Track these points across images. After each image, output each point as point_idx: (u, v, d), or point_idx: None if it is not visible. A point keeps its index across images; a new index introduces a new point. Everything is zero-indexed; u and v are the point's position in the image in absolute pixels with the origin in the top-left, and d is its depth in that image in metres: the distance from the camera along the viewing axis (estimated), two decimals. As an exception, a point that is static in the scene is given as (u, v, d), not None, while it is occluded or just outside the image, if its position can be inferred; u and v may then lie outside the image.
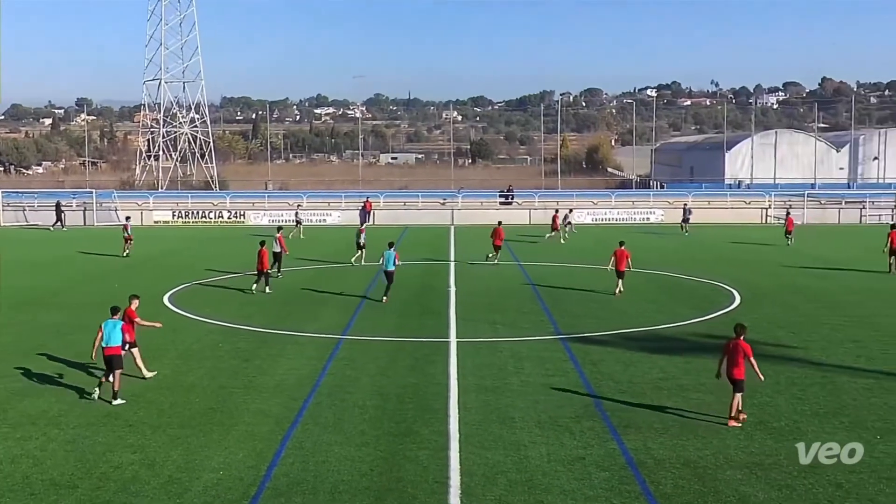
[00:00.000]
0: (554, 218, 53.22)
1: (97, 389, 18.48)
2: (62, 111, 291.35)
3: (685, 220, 59.70)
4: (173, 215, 69.97)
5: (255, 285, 32.93)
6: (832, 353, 22.07)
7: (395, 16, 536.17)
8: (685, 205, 62.77)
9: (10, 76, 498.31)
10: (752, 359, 16.48)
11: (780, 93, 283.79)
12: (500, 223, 42.95)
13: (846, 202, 72.73)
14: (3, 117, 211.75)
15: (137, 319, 20.49)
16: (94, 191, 74.49)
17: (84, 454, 15.04)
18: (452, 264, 40.63)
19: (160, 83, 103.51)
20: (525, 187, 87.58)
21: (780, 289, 33.26)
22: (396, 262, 31.43)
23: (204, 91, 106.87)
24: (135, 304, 20.62)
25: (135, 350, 20.03)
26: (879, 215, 68.94)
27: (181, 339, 24.32)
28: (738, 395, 16.49)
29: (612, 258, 32.61)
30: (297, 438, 15.77)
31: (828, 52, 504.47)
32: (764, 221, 67.33)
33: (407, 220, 64.94)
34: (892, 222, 48.44)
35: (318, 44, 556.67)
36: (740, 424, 16.38)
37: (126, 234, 45.33)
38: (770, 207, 69.58)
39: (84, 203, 71.69)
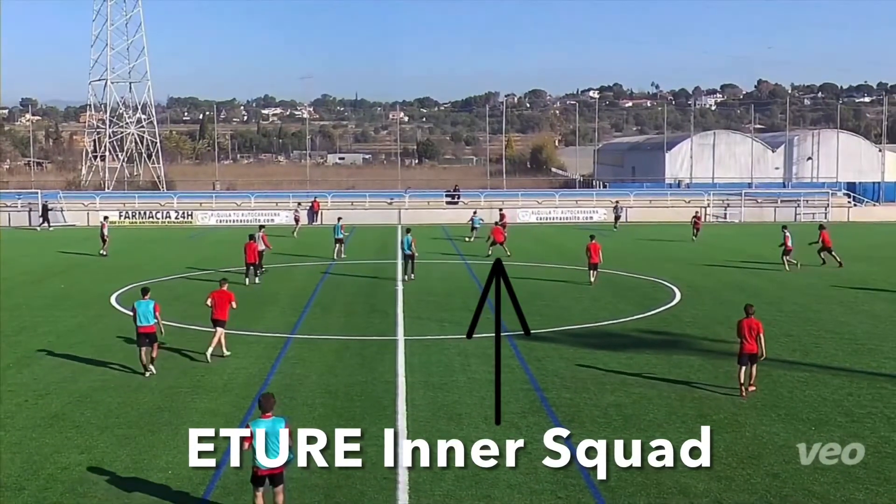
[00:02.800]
0: (502, 216, 53.03)
1: (148, 367, 20.05)
2: (6, 111, 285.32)
3: (617, 219, 61.83)
4: (120, 215, 68.91)
5: (246, 279, 33.78)
6: (769, 348, 22.27)
7: (341, 16, 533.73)
8: (616, 202, 64.90)
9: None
10: (762, 335, 18.26)
11: (718, 94, 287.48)
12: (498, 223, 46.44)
13: (782, 201, 74.05)
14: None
15: (233, 303, 22.41)
16: (39, 191, 73.17)
17: (31, 455, 14.81)
18: (400, 263, 40.60)
19: (106, 83, 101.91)
20: (471, 187, 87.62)
21: (718, 285, 33.75)
22: (413, 247, 34.85)
23: (150, 91, 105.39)
24: (225, 286, 22.69)
25: (220, 329, 21.72)
26: (813, 213, 70.42)
27: (128, 340, 23.97)
28: (755, 367, 18.35)
29: (587, 252, 33.78)
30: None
31: (764, 55, 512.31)
32: (703, 220, 68.22)
33: (354, 220, 64.70)
34: (821, 222, 49.66)
35: (265, 44, 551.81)
36: (746, 397, 18.09)
37: (104, 234, 44.59)
38: (709, 206, 70.53)
39: (29, 204, 70.39)
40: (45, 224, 63.29)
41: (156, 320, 20.15)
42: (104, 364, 21.26)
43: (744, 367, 18.27)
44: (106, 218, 48.50)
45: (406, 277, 34.74)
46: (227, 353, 21.85)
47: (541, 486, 13.39)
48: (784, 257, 38.41)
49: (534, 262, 41.57)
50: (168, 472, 13.98)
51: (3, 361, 21.55)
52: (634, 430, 16.04)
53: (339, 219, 45.33)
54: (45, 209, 65.01)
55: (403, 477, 13.75)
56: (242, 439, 11.71)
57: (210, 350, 21.46)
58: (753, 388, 18.39)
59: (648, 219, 65.94)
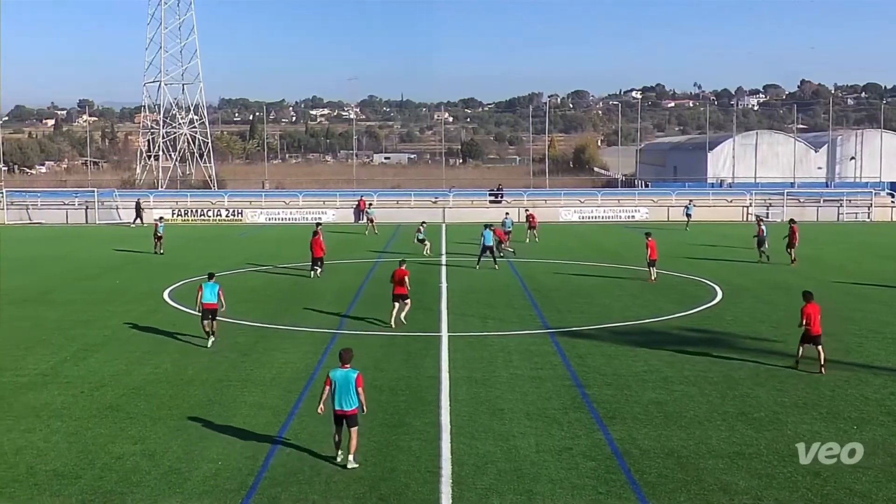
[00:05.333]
0: (530, 217, 52.63)
1: (210, 339, 22.63)
2: (65, 112, 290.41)
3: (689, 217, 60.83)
4: (173, 213, 69.76)
5: (312, 272, 35.13)
6: (810, 346, 22.10)
7: (387, 18, 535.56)
8: (689, 202, 64.23)
9: (14, 78, 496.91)
10: (818, 317, 20.00)
11: (761, 95, 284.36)
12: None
13: (824, 201, 72.96)
14: (7, 118, 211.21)
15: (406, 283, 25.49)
16: (95, 190, 74.29)
17: (86, 445, 15.03)
18: (444, 260, 40.61)
19: (160, 85, 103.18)
20: (514, 186, 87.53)
21: (760, 285, 33.35)
22: (495, 239, 38.30)
23: (202, 93, 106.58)
24: (404, 266, 26.04)
25: (408, 301, 25.51)
26: (856, 213, 69.29)
27: (181, 334, 24.28)
28: (820, 347, 19.87)
29: (647, 249, 33.89)
30: (294, 430, 15.77)
31: (807, 56, 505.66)
32: (745, 219, 67.42)
33: (399, 219, 64.88)
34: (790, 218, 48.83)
35: (314, 46, 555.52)
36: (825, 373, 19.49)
37: (157, 233, 45.07)
38: (751, 206, 69.75)
39: (86, 202, 71.52)
40: (139, 221, 64.45)
41: (220, 298, 22.86)
42: (157, 358, 21.53)
43: (804, 347, 20.11)
44: (161, 218, 49.01)
45: (496, 266, 37.41)
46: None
47: (582, 482, 13.33)
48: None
49: (575, 260, 41.40)
50: (218, 463, 14.11)
51: (61, 354, 21.91)
52: (675, 427, 15.91)
53: (423, 223, 46.82)
54: (139, 207, 66.27)
55: (447, 470, 13.77)
56: (324, 383, 14.14)
57: (393, 319, 25.20)
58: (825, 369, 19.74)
59: (691, 218, 65.21)
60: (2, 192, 72.13)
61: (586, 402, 17.51)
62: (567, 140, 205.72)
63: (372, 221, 59.62)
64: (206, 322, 22.90)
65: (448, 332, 24.53)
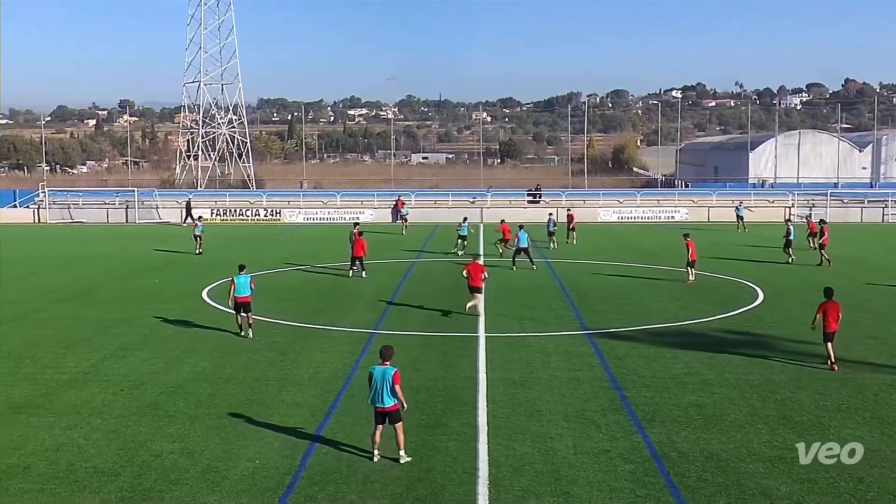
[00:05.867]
0: (570, 217, 52.31)
1: (244, 331, 23.55)
2: (105, 112, 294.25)
3: (740, 219, 59.98)
4: (212, 213, 70.42)
5: (350, 271, 35.24)
6: (853, 350, 21.83)
7: (426, 18, 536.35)
8: (740, 202, 63.63)
9: (56, 79, 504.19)
10: (840, 314, 20.24)
11: (804, 94, 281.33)
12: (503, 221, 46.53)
13: (869, 201, 71.96)
14: (49, 118, 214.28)
15: (485, 274, 27.18)
16: (135, 189, 75.17)
17: (126, 443, 15.19)
18: (482, 262, 40.54)
19: (199, 85, 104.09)
20: (552, 186, 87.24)
21: (801, 286, 32.93)
22: (530, 241, 38.54)
23: (241, 93, 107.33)
24: (479, 260, 28.12)
25: (478, 295, 26.83)
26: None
27: (219, 333, 24.47)
28: (830, 344, 20.08)
29: (687, 249, 33.72)
30: (331, 430, 15.84)
31: (851, 54, 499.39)
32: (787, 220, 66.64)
33: (437, 219, 64.94)
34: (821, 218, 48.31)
35: (352, 46, 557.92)
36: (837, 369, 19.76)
37: (197, 233, 45.41)
38: (793, 206, 68.97)
39: (126, 201, 72.38)
40: (190, 220, 65.27)
41: (251, 292, 23.61)
42: (196, 356, 21.73)
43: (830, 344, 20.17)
44: (200, 218, 49.38)
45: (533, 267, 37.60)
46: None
47: (620, 484, 13.25)
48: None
49: (614, 260, 41.19)
50: (256, 462, 14.21)
51: (101, 352, 22.18)
52: (715, 430, 15.77)
53: (465, 218, 47.12)
54: (189, 206, 67.14)
55: (483, 471, 13.75)
56: (368, 380, 14.33)
57: (469, 305, 26.76)
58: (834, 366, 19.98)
59: (732, 218, 64.59)
60: (44, 192, 73.19)
61: (625, 405, 17.41)
62: (606, 140, 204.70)
63: (405, 221, 59.96)
64: (240, 316, 23.73)
65: (485, 332, 24.50)
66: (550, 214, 50.50)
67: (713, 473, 13.69)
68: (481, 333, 24.34)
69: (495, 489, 13.09)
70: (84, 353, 22.15)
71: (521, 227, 39.23)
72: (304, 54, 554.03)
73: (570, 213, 53.26)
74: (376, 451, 14.15)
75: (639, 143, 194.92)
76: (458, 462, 14.19)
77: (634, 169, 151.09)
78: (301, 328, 25.26)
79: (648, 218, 69.82)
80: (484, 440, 15.19)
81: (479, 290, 26.94)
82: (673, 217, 69.71)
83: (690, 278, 33.51)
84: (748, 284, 33.20)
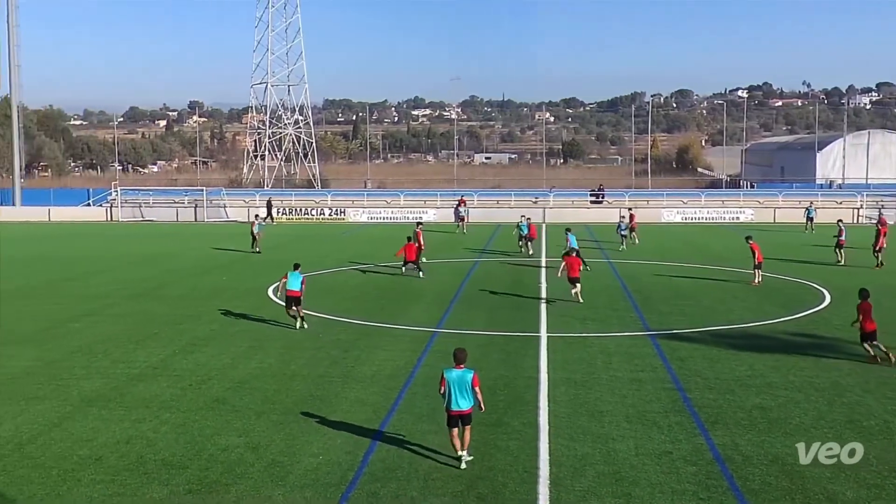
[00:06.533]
0: (631, 217, 51.77)
1: (298, 322, 24.61)
2: (176, 113, 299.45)
3: (810, 220, 58.91)
4: (278, 212, 71.23)
5: (404, 268, 35.75)
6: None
7: (489, 19, 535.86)
8: (810, 203, 61.83)
9: (128, 80, 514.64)
10: (870, 314, 20.52)
11: (874, 93, 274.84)
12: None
13: (940, 202, 70.15)
14: (122, 119, 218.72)
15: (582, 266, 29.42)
16: (204, 189, 76.39)
17: (193, 437, 15.44)
18: (544, 261, 40.42)
19: (267, 87, 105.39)
20: (615, 187, 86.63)
21: (870, 289, 32.13)
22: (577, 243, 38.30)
23: (307, 94, 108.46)
24: (574, 254, 29.75)
25: (578, 285, 28.85)
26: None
27: (284, 330, 24.75)
28: (874, 343, 20.40)
29: (754, 251, 33.16)
30: (393, 427, 15.90)
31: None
32: (856, 221, 65.29)
33: (500, 219, 64.85)
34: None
35: (416, 47, 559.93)
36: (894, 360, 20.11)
37: (254, 232, 45.79)
38: (862, 207, 67.51)
39: (195, 200, 73.59)
40: (269, 219, 66.42)
41: (300, 288, 24.56)
42: (261, 353, 22.00)
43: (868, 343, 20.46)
44: (257, 216, 49.86)
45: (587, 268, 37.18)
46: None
47: (682, 487, 13.09)
48: (837, 250, 40.17)
49: (678, 261, 40.74)
50: (319, 458, 14.33)
51: (170, 348, 22.57)
52: (780, 433, 15.49)
53: (526, 217, 46.71)
54: (270, 205, 68.21)
55: (545, 471, 13.70)
56: (440, 383, 14.03)
57: (573, 292, 28.77)
58: (893, 355, 20.25)
59: (799, 220, 63.48)
60: (117, 191, 74.73)
61: (687, 406, 17.20)
62: (670, 140, 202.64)
63: (463, 220, 59.97)
64: (291, 309, 24.79)
65: (547, 332, 24.41)
66: (622, 217, 49.88)
67: (777, 477, 13.46)
68: (543, 333, 24.25)
69: (556, 489, 13.04)
70: (154, 348, 22.57)
71: (567, 229, 39.31)
72: (368, 55, 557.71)
73: (631, 212, 52.80)
74: (462, 453, 13.91)
75: (703, 144, 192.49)
76: (519, 461, 14.15)
77: (699, 169, 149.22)
78: (364, 326, 25.42)
79: (713, 219, 68.94)
80: (545, 440, 15.13)
81: (577, 281, 28.94)
82: (738, 218, 68.72)
83: (756, 280, 32.98)
84: (815, 286, 32.58)
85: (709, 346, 22.51)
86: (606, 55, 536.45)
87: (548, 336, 23.83)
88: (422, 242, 37.94)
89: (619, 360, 21.10)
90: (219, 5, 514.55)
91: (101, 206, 75.90)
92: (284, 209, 71.91)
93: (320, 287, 33.20)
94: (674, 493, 12.88)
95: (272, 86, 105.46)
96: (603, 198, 74.58)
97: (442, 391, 13.99)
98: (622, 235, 46.60)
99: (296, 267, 25.22)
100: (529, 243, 44.31)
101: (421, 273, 35.12)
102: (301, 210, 72.29)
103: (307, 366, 20.64)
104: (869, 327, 20.51)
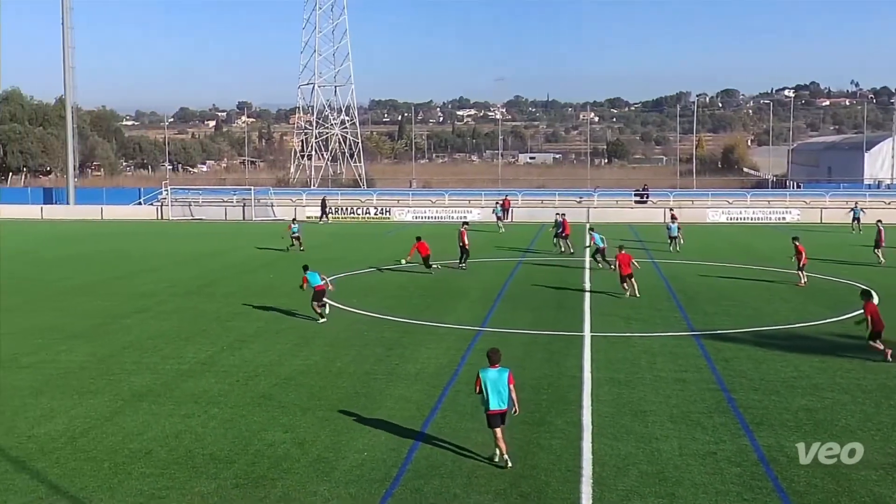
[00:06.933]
0: (673, 218, 51.17)
1: (323, 314, 25.68)
2: (225, 114, 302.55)
3: (856, 220, 56.97)
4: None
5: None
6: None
7: (535, 19, 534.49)
8: (855, 203, 60.32)
9: (179, 82, 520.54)
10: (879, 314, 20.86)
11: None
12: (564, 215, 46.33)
13: None
14: (172, 120, 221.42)
15: (635, 262, 30.41)
16: (252, 188, 77.07)
17: (241, 432, 15.58)
18: (587, 261, 40.21)
19: (314, 87, 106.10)
20: (660, 187, 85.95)
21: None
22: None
23: (353, 94, 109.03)
24: (624, 251, 30.41)
25: (633, 280, 29.89)
26: None
27: (330, 328, 24.89)
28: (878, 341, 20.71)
29: (801, 253, 32.76)
30: (437, 424, 15.92)
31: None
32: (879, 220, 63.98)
33: (543, 218, 64.62)
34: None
35: (461, 48, 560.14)
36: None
37: (292, 234, 45.91)
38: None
39: (243, 200, 74.26)
40: (325, 218, 66.94)
41: (323, 281, 25.97)
42: (307, 350, 22.14)
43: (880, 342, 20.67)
44: (294, 220, 49.82)
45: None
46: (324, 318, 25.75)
47: (726, 488, 12.95)
48: (876, 251, 39.71)
49: (723, 262, 40.32)
50: (364, 454, 14.39)
51: (218, 345, 22.81)
52: (826, 435, 15.25)
53: (561, 214, 46.86)
54: (325, 204, 68.77)
55: (588, 470, 13.63)
56: (475, 384, 14.00)
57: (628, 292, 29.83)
58: (890, 351, 20.56)
59: (846, 220, 62.49)
60: (167, 190, 75.67)
61: (732, 407, 17.02)
62: (715, 140, 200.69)
63: (500, 220, 60.06)
64: (315, 303, 25.83)
65: (591, 332, 24.28)
66: (674, 218, 49.10)
67: (823, 479, 13.27)
68: (587, 333, 24.13)
69: (599, 488, 12.97)
70: (202, 344, 22.82)
71: (591, 228, 39.55)
72: (414, 56, 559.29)
73: (672, 212, 52.34)
74: (506, 456, 13.80)
75: (749, 144, 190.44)
76: (562, 460, 14.10)
77: (744, 169, 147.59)
78: (408, 324, 25.48)
79: (758, 219, 68.13)
80: (588, 439, 15.06)
81: (629, 277, 29.88)
82: (784, 218, 67.85)
83: (802, 282, 32.53)
84: (861, 287, 31.98)
85: (754, 347, 22.25)
86: (651, 55, 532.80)
87: (591, 336, 23.71)
88: (466, 242, 37.93)
89: (663, 360, 20.93)
90: (267, 7, 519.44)
91: (151, 205, 76.91)
92: (330, 208, 72.27)
93: (365, 285, 33.36)
94: (718, 493, 12.75)
95: (319, 86, 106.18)
96: (647, 198, 74.05)
97: (478, 391, 13.93)
98: (672, 238, 45.59)
99: (305, 269, 26.70)
100: (565, 241, 44.09)
101: (432, 270, 35.82)
102: (347, 209, 72.64)
103: (352, 363, 20.74)
104: (880, 326, 20.80)
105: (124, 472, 13.62)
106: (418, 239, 36.52)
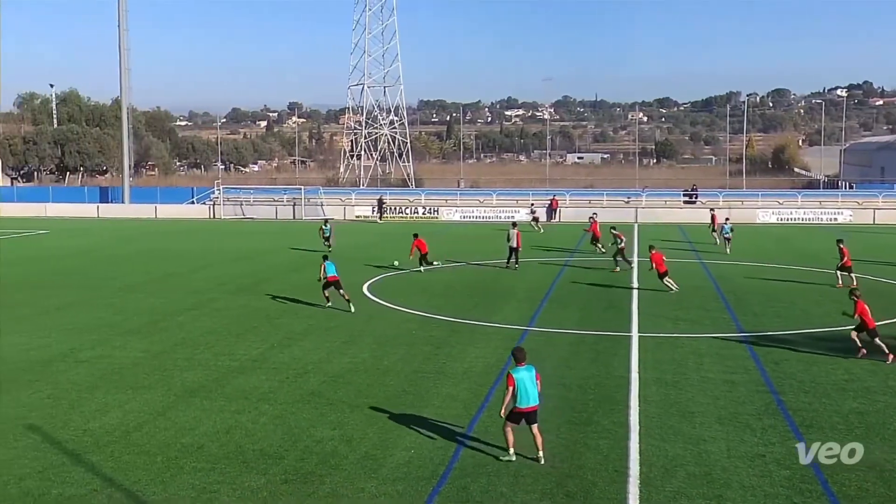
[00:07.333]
0: (713, 218, 50.60)
1: (330, 302, 27.69)
2: (276, 114, 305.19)
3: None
4: (372, 211, 71.96)
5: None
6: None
7: (583, 19, 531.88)
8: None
9: (230, 83, 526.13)
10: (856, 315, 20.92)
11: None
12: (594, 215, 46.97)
13: None
14: (224, 120, 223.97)
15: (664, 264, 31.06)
16: (302, 187, 77.66)
17: (290, 428, 15.70)
18: (636, 261, 39.91)
19: (363, 88, 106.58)
20: (709, 187, 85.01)
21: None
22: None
23: (402, 95, 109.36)
24: (655, 250, 31.53)
25: (667, 278, 30.69)
26: None
27: (378, 326, 24.99)
28: (878, 339, 20.60)
29: (844, 255, 32.33)
30: (483, 423, 15.91)
31: None
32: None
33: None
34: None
35: (509, 48, 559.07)
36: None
37: (324, 234, 45.75)
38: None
39: (293, 199, 74.84)
40: (381, 216, 67.41)
41: (336, 272, 27.68)
42: (355, 348, 22.25)
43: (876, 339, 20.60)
44: (326, 221, 49.62)
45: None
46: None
47: (775, 490, 12.77)
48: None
49: (773, 263, 39.79)
50: (411, 452, 14.43)
51: (268, 342, 23.01)
52: (878, 439, 14.99)
53: (594, 213, 46.59)
54: (381, 203, 69.22)
55: (634, 470, 13.54)
56: (508, 384, 13.93)
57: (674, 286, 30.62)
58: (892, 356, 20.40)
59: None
60: (219, 189, 76.53)
61: (781, 409, 16.78)
62: (766, 140, 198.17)
63: (537, 221, 59.76)
64: (327, 291, 27.88)
65: (638, 332, 24.11)
66: (727, 219, 48.44)
67: (875, 484, 13.03)
68: (634, 333, 23.95)
69: (646, 489, 12.87)
70: (253, 341, 23.04)
71: (612, 227, 39.53)
72: (462, 57, 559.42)
73: (713, 213, 51.77)
74: (541, 452, 13.87)
75: (800, 144, 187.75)
76: (609, 460, 14.01)
77: (795, 170, 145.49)
78: (456, 323, 25.50)
79: (809, 220, 67.13)
80: (635, 439, 14.95)
81: (665, 275, 30.66)
82: (836, 219, 66.78)
83: (840, 283, 31.89)
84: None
85: (804, 349, 21.92)
86: (701, 54, 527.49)
87: (639, 336, 23.54)
88: (519, 243, 37.77)
89: (711, 361, 20.71)
90: (318, 9, 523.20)
91: (204, 203, 77.84)
92: (387, 207, 72.52)
93: (413, 284, 33.44)
94: (766, 496, 12.59)
95: (368, 87, 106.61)
96: (696, 198, 73.29)
97: (512, 390, 13.87)
98: (726, 239, 44.64)
99: (325, 258, 28.60)
100: (597, 243, 44.05)
101: (422, 268, 36.32)
102: (395, 209, 72.87)
103: (400, 361, 20.80)
104: (872, 324, 20.84)
105: (176, 467, 13.80)
106: (416, 236, 36.85)
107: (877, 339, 20.61)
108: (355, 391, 18.20)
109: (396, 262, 37.56)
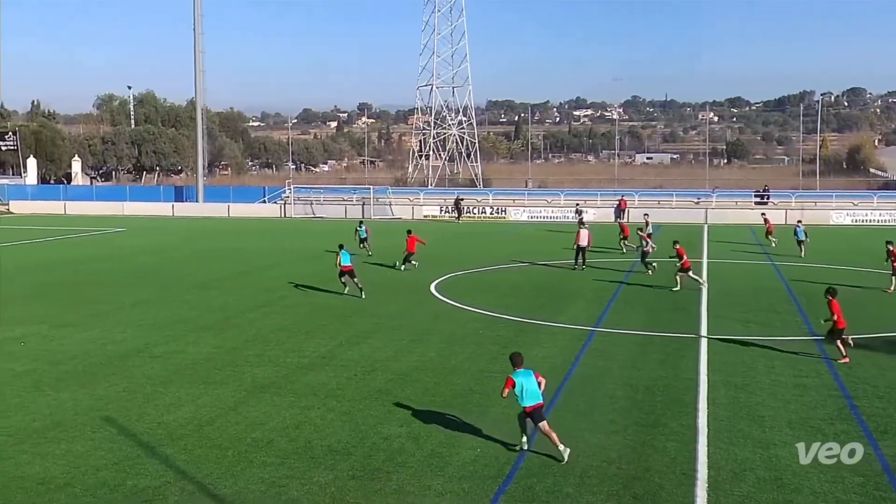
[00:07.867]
0: (766, 221, 49.38)
1: (349, 290, 29.69)
2: (346, 115, 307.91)
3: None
4: (440, 210, 72.15)
5: (402, 266, 37.01)
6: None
7: (653, 18, 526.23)
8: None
9: (302, 84, 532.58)
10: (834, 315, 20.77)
11: None
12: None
13: None
14: (295, 121, 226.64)
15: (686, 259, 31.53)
16: (371, 187, 78.21)
17: (358, 425, 15.82)
18: (705, 262, 39.35)
19: (432, 88, 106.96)
20: (781, 188, 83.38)
21: None
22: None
23: (471, 95, 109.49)
24: (678, 245, 31.99)
25: (689, 273, 31.23)
26: None
27: (445, 325, 25.04)
28: (839, 340, 20.61)
29: (891, 258, 31.56)
30: (550, 423, 15.79)
31: None
32: None
33: (660, 219, 63.52)
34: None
35: (578, 48, 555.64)
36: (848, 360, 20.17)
37: (361, 236, 44.91)
38: None
39: (363, 198, 75.42)
40: (459, 218, 67.84)
41: (350, 263, 29.77)
42: (422, 346, 22.33)
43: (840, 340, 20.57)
44: (361, 223, 49.15)
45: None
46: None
47: (847, 497, 12.48)
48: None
49: (846, 265, 38.88)
50: (477, 450, 14.42)
51: (337, 339, 23.22)
52: (956, 446, 14.55)
53: (646, 215, 45.95)
54: (458, 203, 69.55)
55: (702, 473, 13.35)
56: (503, 386, 14.27)
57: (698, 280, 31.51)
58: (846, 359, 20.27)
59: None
60: (290, 189, 77.46)
61: (854, 414, 16.39)
62: (840, 140, 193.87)
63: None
64: (343, 278, 29.89)
65: (707, 334, 23.76)
66: (799, 221, 47.32)
67: (952, 492, 12.66)
68: (703, 335, 23.63)
69: (714, 493, 12.68)
70: (322, 339, 23.27)
71: (639, 229, 39.50)
72: (530, 57, 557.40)
73: (765, 216, 50.55)
74: (561, 447, 13.96)
75: (876, 143, 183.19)
76: (676, 463, 13.84)
77: (871, 170, 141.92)
78: (523, 323, 25.43)
79: (885, 221, 65.43)
80: (704, 442, 14.74)
81: (688, 270, 31.23)
82: (913, 221, 65.01)
83: (892, 287, 31.01)
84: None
85: (880, 353, 21.39)
86: (773, 53, 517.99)
87: (708, 338, 23.20)
88: (590, 241, 37.67)
89: (782, 364, 20.32)
90: (387, 11, 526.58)
91: (275, 203, 78.89)
92: (447, 207, 72.70)
93: (481, 283, 33.44)
94: (838, 502, 12.31)
95: (437, 88, 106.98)
96: (768, 199, 71.95)
97: (506, 393, 14.21)
98: (799, 242, 43.34)
99: (341, 247, 30.38)
100: (624, 242, 44.37)
101: (403, 266, 36.73)
102: (463, 208, 72.92)
103: (467, 360, 20.81)
104: (842, 324, 20.79)
105: (247, 461, 14.00)
106: (409, 233, 36.93)
107: (840, 340, 20.74)
108: (422, 389, 18.26)
109: (397, 264, 37.40)
